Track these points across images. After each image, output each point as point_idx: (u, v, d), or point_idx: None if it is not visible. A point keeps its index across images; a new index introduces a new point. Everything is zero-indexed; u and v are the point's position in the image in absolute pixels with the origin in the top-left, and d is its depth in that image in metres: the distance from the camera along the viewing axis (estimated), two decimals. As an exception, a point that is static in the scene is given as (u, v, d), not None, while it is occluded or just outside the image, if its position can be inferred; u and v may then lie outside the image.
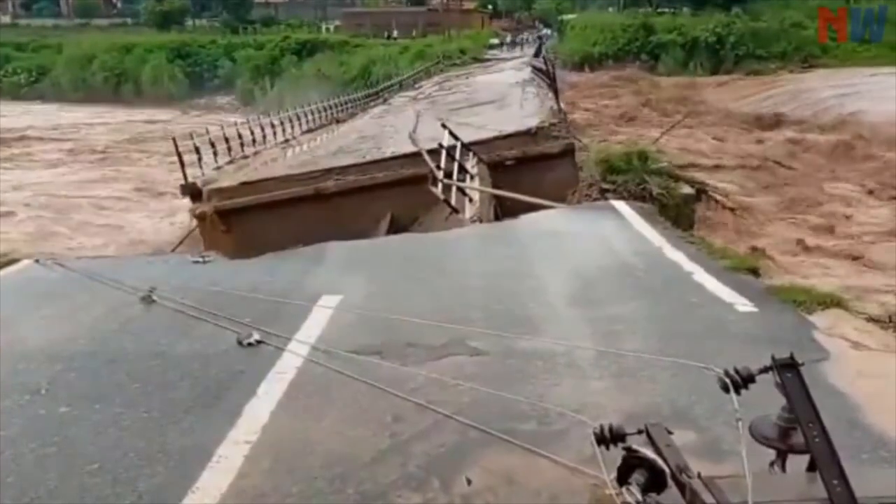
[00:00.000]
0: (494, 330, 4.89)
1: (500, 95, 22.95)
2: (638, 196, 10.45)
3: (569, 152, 13.12)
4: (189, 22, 77.93)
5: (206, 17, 79.52)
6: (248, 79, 56.37)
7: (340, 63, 54.71)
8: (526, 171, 12.50)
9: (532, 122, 14.51)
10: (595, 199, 10.55)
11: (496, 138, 13.64)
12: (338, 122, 26.47)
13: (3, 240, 15.58)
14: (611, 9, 63.22)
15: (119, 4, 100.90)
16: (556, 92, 21.37)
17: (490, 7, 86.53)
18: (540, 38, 61.80)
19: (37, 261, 7.73)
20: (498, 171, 12.48)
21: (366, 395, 4.08)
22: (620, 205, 9.55)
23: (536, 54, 42.25)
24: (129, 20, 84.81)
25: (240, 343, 4.88)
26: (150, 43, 62.95)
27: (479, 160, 12.42)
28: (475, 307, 5.64)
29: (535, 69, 30.08)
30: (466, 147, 12.25)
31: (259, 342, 4.88)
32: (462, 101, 23.87)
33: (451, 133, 12.09)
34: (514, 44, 58.78)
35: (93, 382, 4.49)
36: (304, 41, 60.39)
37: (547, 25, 72.55)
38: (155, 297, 5.83)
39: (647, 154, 11.74)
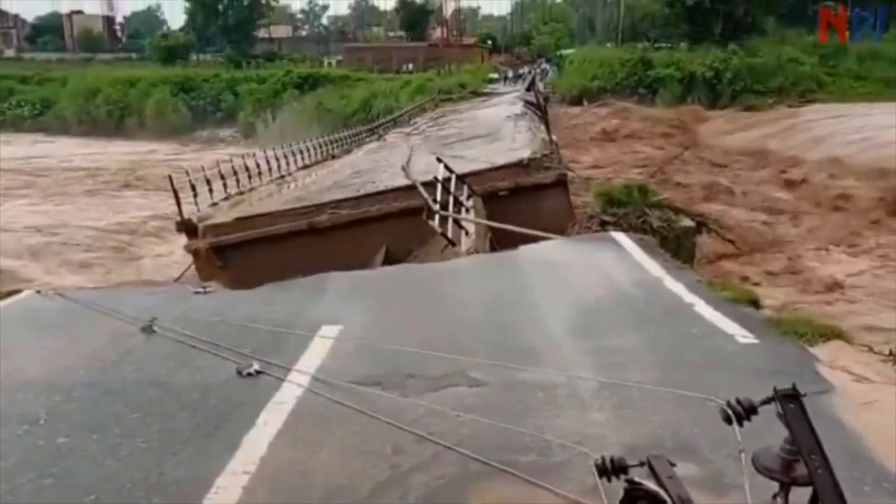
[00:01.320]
0: (495, 360, 4.88)
1: (493, 129, 23.09)
2: (638, 228, 10.49)
3: (561, 182, 13.21)
4: (193, 56, 78.88)
5: (210, 52, 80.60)
6: (250, 112, 56.99)
7: (342, 97, 55.30)
8: (519, 202, 12.57)
9: (524, 154, 14.60)
10: (595, 231, 10.59)
11: (489, 170, 13.73)
12: (333, 157, 26.56)
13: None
14: (609, 44, 64.04)
15: (124, 39, 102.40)
16: (547, 124, 21.58)
17: (490, 42, 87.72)
18: (542, 71, 62.56)
19: (38, 291, 7.74)
20: (491, 202, 12.53)
21: (365, 426, 4.06)
22: (620, 236, 9.57)
23: (528, 88, 42.63)
24: (133, 55, 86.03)
25: (239, 373, 4.86)
26: (154, 77, 63.75)
27: (472, 192, 12.48)
28: (475, 337, 5.63)
29: (527, 103, 30.40)
30: (461, 179, 12.31)
31: (259, 372, 4.86)
32: (455, 135, 24.03)
33: (445, 166, 12.16)
34: (516, 77, 59.39)
35: (92, 413, 4.46)
36: (306, 75, 61.18)
37: (548, 60, 73.51)
38: (155, 328, 5.82)
39: (647, 187, 11.82)
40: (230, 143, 51.32)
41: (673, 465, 2.70)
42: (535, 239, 9.71)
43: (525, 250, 9.15)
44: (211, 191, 16.59)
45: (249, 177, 19.44)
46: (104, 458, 3.87)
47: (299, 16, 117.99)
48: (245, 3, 76.11)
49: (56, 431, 4.20)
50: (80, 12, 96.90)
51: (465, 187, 12.34)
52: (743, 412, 2.66)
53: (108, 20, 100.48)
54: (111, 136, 55.14)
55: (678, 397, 3.97)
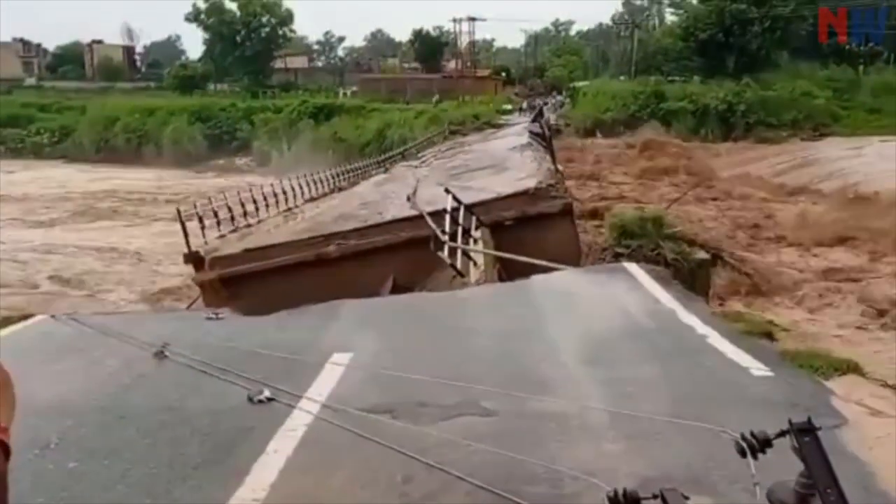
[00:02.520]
0: (507, 390, 4.85)
1: (500, 160, 23.13)
2: (652, 261, 10.41)
3: (567, 212, 13.20)
4: (211, 86, 79.94)
5: (227, 82, 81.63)
6: (265, 141, 57.56)
7: (356, 127, 55.76)
8: (525, 231, 12.52)
9: (530, 184, 14.60)
10: (608, 262, 10.54)
11: (495, 199, 13.70)
12: (340, 189, 26.63)
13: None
14: (622, 77, 64.48)
15: (143, 69, 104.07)
16: (552, 154, 21.72)
17: (504, 74, 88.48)
18: (558, 103, 63.09)
19: (52, 316, 7.78)
20: (497, 231, 12.48)
21: (376, 455, 4.04)
22: (633, 267, 9.52)
23: (534, 119, 42.65)
24: (152, 84, 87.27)
25: (250, 400, 4.86)
26: (171, 106, 64.68)
27: (480, 223, 12.42)
28: (487, 367, 5.60)
29: (533, 133, 30.62)
30: (468, 210, 12.26)
31: (270, 399, 4.85)
32: (461, 166, 24.06)
33: (453, 197, 12.14)
34: (531, 109, 59.90)
35: (102, 438, 4.47)
36: (322, 105, 61.82)
37: (560, 92, 74.09)
38: (167, 353, 5.84)
39: (661, 219, 11.71)
40: (245, 172, 51.86)
41: (686, 497, 2.68)
42: (544, 269, 9.64)
43: (537, 280, 9.13)
44: (218, 223, 16.68)
45: (257, 209, 19.55)
46: (114, 484, 3.87)
47: (315, 47, 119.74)
48: (262, 34, 77.34)
49: (67, 456, 4.21)
50: (100, 42, 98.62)
51: (473, 218, 12.31)
52: (757, 445, 2.64)
53: (128, 50, 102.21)
54: (128, 164, 55.79)
55: (691, 429, 3.94)
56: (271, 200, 21.18)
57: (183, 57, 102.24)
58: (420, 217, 12.52)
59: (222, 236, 15.98)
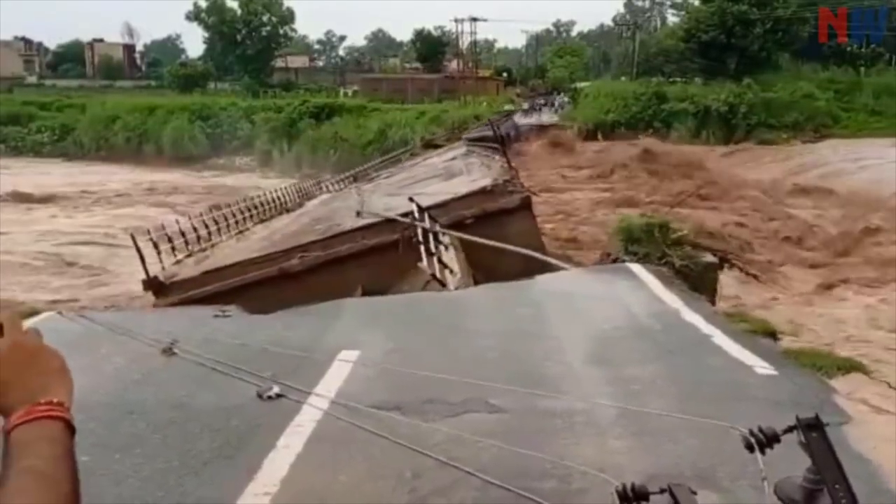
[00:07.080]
0: (513, 387, 4.89)
1: (445, 168, 23.10)
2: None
3: (526, 205, 13.19)
4: (211, 85, 79.91)
5: (227, 81, 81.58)
6: (266, 140, 57.37)
7: (357, 126, 55.69)
8: (486, 228, 12.37)
9: (486, 182, 14.63)
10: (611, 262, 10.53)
11: (454, 199, 13.60)
12: (287, 211, 26.23)
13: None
14: (623, 77, 64.51)
15: (143, 67, 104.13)
16: (505, 154, 22.09)
17: (505, 74, 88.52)
18: (560, 104, 63.15)
19: (59, 313, 7.82)
20: (459, 231, 12.36)
21: (385, 451, 4.08)
22: (636, 267, 9.56)
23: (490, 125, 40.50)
24: (152, 82, 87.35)
25: (259, 396, 4.90)
26: (172, 105, 64.43)
27: (445, 229, 12.22)
28: (493, 364, 5.65)
29: (471, 140, 29.60)
30: (433, 218, 12.01)
31: (279, 395, 4.89)
32: (410, 177, 23.81)
33: (417, 205, 11.99)
34: (532, 109, 60.11)
35: (113, 433, 4.50)
36: (322, 105, 61.60)
37: (560, 93, 74.20)
38: (176, 350, 5.88)
39: (667, 225, 11.54)
40: (246, 171, 51.87)
41: (694, 493, 2.71)
42: (518, 275, 9.56)
43: (541, 280, 9.18)
44: (173, 248, 16.59)
45: (209, 233, 19.45)
46: (126, 478, 3.91)
47: (316, 46, 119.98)
48: (263, 33, 77.27)
49: (78, 450, 4.19)
50: (101, 40, 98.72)
51: (437, 224, 12.09)
52: (765, 440, 2.68)
53: (129, 48, 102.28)
54: (128, 163, 55.67)
55: (697, 426, 3.99)
56: (222, 224, 21.06)
57: (183, 56, 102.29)
58: (382, 223, 12.45)
59: (178, 261, 15.90)
